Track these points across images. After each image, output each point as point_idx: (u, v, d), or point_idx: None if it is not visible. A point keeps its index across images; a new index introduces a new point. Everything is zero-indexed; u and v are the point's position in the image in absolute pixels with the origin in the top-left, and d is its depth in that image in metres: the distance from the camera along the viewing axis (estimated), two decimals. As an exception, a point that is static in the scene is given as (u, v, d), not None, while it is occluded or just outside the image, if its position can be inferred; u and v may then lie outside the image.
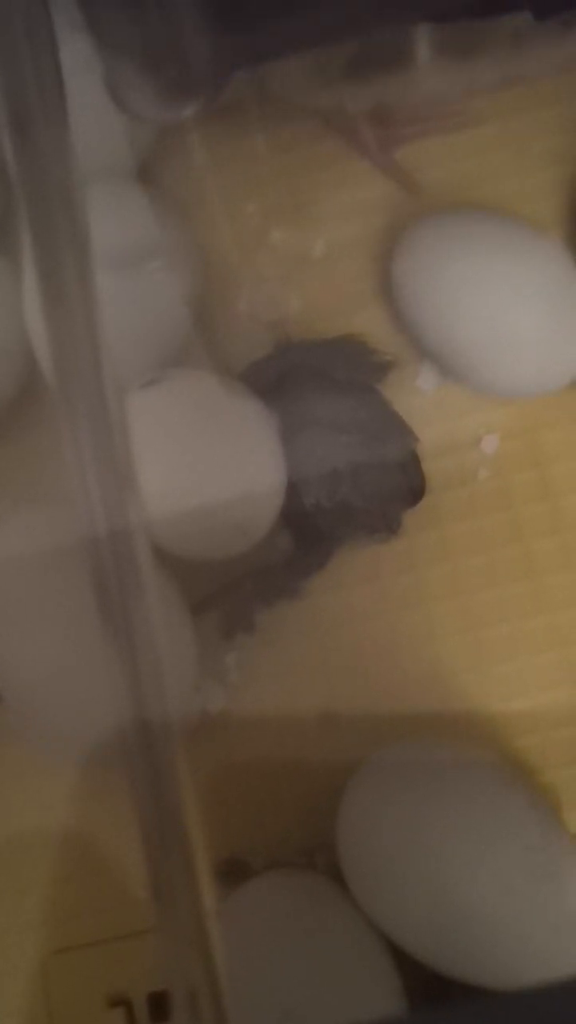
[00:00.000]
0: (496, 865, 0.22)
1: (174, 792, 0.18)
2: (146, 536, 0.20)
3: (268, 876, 0.24)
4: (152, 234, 0.23)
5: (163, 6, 0.20)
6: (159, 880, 0.17)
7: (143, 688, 0.20)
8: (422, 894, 0.22)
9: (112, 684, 0.19)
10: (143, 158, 0.27)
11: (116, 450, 0.19)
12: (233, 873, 0.25)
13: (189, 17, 0.20)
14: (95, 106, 0.22)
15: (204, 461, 0.24)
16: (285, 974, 0.22)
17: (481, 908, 0.21)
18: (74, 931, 0.25)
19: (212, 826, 0.25)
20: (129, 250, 0.22)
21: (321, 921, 0.23)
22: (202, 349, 0.26)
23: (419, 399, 0.27)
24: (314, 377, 0.26)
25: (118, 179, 0.25)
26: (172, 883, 0.17)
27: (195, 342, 0.26)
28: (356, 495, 0.26)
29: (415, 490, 0.26)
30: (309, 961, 0.22)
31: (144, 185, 0.27)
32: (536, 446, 0.27)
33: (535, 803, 0.23)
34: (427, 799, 0.22)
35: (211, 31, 0.20)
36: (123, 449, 0.20)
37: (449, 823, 0.22)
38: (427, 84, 0.25)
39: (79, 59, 0.20)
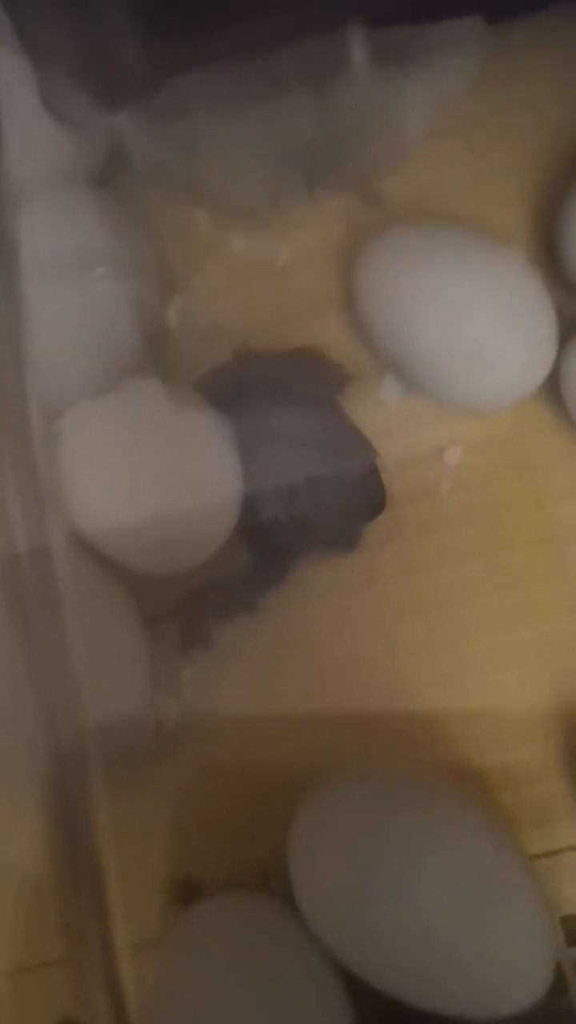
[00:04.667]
0: (449, 891, 0.21)
1: (87, 826, 0.17)
2: (69, 555, 0.20)
3: (220, 898, 0.24)
4: (100, 242, 0.23)
5: (93, 11, 0.19)
6: (68, 914, 0.17)
7: (57, 717, 0.20)
8: (375, 920, 0.21)
9: (24, 713, 0.18)
10: (101, 166, 0.27)
11: (39, 469, 0.18)
12: (186, 894, 0.24)
13: (120, 22, 0.19)
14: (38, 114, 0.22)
15: (155, 473, 0.23)
16: (233, 999, 0.21)
17: (434, 934, 0.21)
18: (22, 953, 0.24)
19: (165, 845, 0.25)
20: (76, 258, 0.22)
21: (272, 945, 0.22)
22: (155, 359, 0.25)
23: (380, 412, 0.27)
24: (272, 389, 0.26)
25: (71, 188, 0.25)
26: (82, 918, 0.17)
27: (149, 352, 0.25)
28: (314, 509, 0.25)
29: (375, 504, 0.26)
30: (259, 986, 0.22)
31: (102, 193, 0.26)
32: (499, 458, 0.27)
33: (490, 827, 0.22)
34: (380, 823, 0.22)
35: (143, 35, 0.19)
36: (47, 467, 0.19)
37: (402, 848, 0.22)
38: (368, 94, 0.25)
39: (15, 69, 0.20)
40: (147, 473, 0.23)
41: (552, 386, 0.26)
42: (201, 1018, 0.21)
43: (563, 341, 0.26)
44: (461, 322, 0.25)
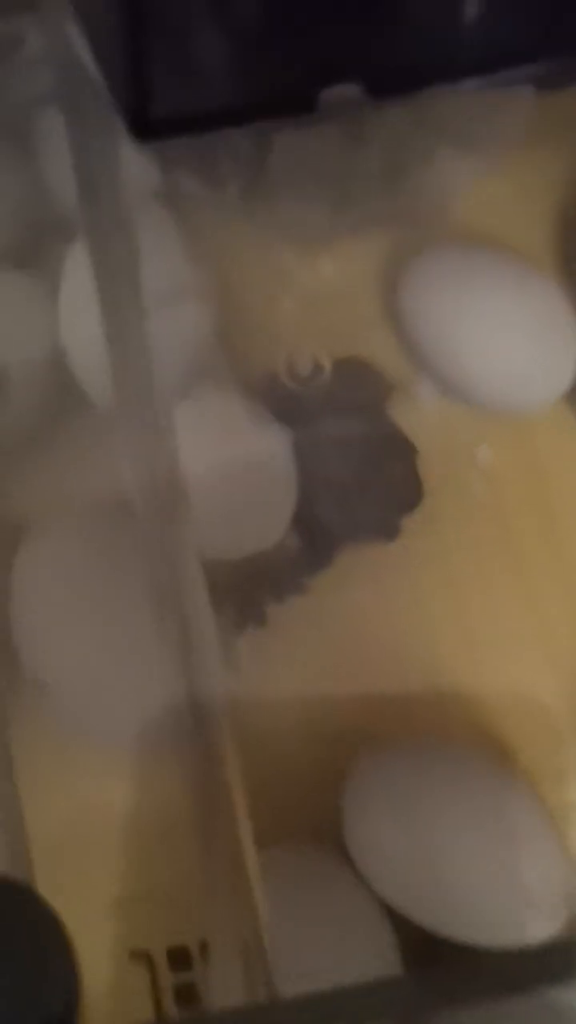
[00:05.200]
0: (479, 838, 0.25)
1: (223, 765, 0.20)
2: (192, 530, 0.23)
3: (276, 848, 0.27)
4: (183, 264, 0.26)
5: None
6: (211, 844, 0.20)
7: (194, 669, 0.23)
8: (417, 864, 0.25)
9: (162, 667, 0.21)
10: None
11: (167, 453, 0.21)
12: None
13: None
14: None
15: (229, 472, 0.26)
16: (295, 932, 0.25)
17: (466, 875, 0.24)
18: (102, 893, 0.28)
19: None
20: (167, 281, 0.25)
21: (326, 887, 0.26)
22: (223, 369, 0.28)
23: (419, 414, 0.30)
24: (323, 395, 0.29)
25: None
26: (222, 846, 0.20)
27: (216, 362, 0.28)
28: (360, 503, 0.28)
29: (413, 498, 0.29)
30: (318, 921, 0.25)
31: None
32: (527, 458, 0.30)
33: (514, 783, 0.26)
34: (420, 783, 0.25)
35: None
36: (171, 454, 0.22)
37: (440, 803, 0.25)
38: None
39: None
40: (218, 470, 0.26)
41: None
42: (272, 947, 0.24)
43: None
44: (493, 335, 0.27)
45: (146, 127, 0.23)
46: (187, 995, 0.27)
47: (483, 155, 0.31)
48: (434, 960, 0.25)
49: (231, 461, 0.26)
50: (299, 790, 0.28)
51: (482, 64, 0.24)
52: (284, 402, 0.28)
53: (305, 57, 0.23)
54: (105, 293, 0.21)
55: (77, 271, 0.27)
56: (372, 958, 0.25)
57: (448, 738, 0.27)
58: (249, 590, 0.29)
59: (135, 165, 0.26)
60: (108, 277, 0.22)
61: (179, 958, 0.28)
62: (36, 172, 0.29)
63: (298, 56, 0.23)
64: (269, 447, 0.27)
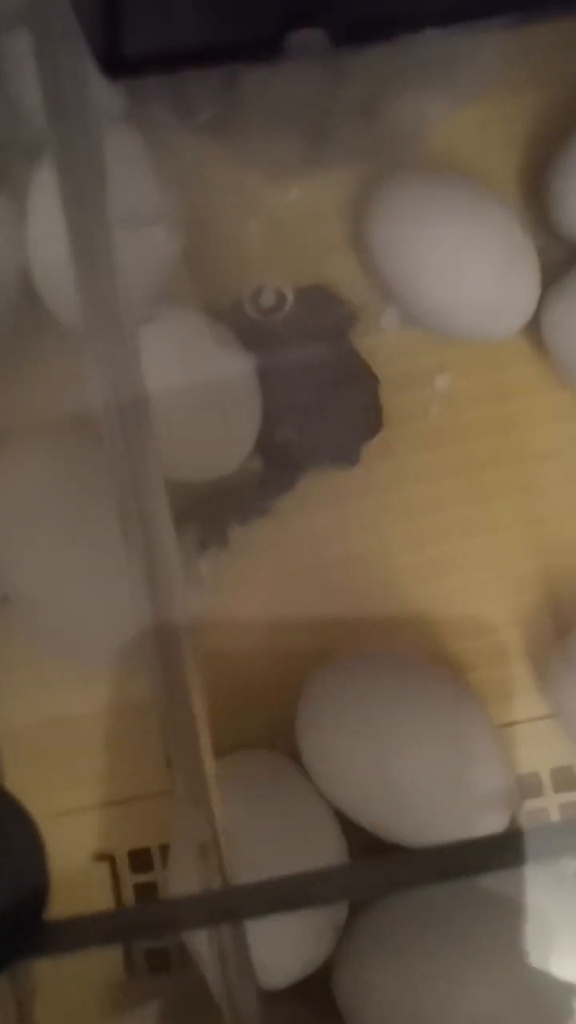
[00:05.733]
0: (429, 747, 0.26)
1: (184, 679, 0.21)
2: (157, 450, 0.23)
3: (235, 755, 0.28)
4: (153, 189, 0.26)
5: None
6: (173, 752, 0.21)
7: (158, 587, 0.24)
8: (367, 769, 0.26)
9: (127, 584, 0.22)
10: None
11: (132, 373, 0.22)
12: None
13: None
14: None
15: (194, 394, 0.27)
16: (251, 834, 0.26)
17: (414, 784, 0.26)
18: (67, 799, 0.29)
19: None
20: (134, 203, 0.25)
21: (281, 791, 0.27)
22: (190, 292, 0.28)
23: (381, 340, 0.30)
24: (288, 322, 0.29)
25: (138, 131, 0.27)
26: (182, 754, 0.21)
27: (184, 285, 0.28)
28: (321, 429, 0.29)
29: (373, 425, 0.30)
30: (272, 822, 0.26)
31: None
32: (484, 386, 0.30)
33: (464, 698, 0.27)
34: (373, 695, 0.26)
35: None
36: (136, 374, 0.23)
37: (391, 713, 0.26)
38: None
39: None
40: (183, 393, 0.27)
41: (535, 323, 0.30)
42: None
43: (546, 283, 0.29)
44: (453, 263, 0.28)
45: (116, 65, 0.23)
46: (147, 894, 0.29)
47: (458, 87, 0.31)
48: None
49: (195, 384, 0.27)
50: (258, 702, 0.29)
51: (446, 15, 0.24)
52: (249, 327, 0.28)
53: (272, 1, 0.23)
54: (72, 214, 0.22)
55: (45, 192, 0.27)
56: (322, 859, 0.26)
57: (402, 655, 0.28)
58: (213, 512, 0.30)
59: (105, 89, 0.26)
60: (75, 199, 0.22)
61: (140, 860, 0.29)
62: (5, 94, 0.29)
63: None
64: (233, 371, 0.27)
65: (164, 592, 0.22)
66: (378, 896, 0.24)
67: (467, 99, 0.31)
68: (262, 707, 0.29)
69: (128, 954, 0.28)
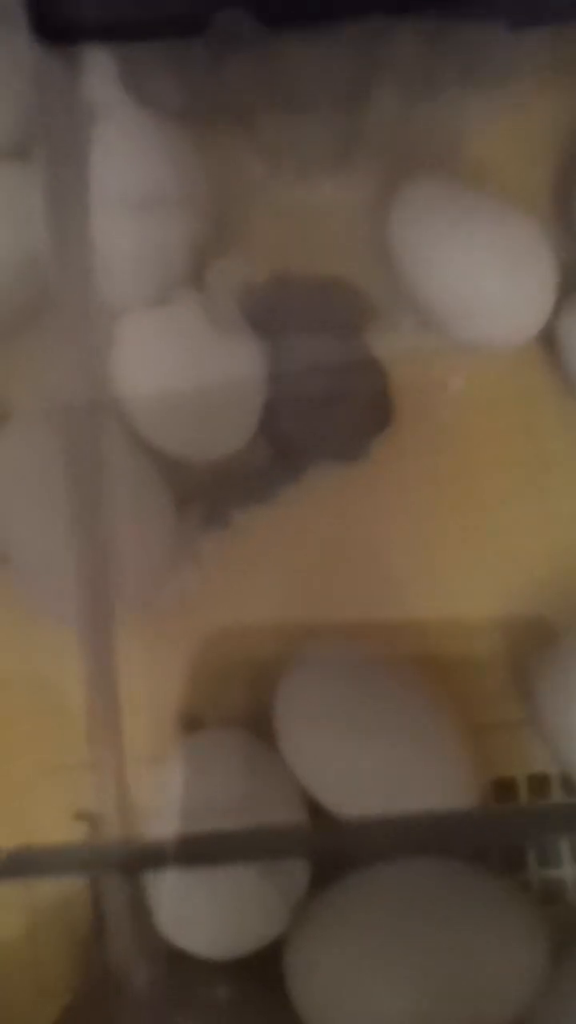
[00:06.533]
0: (394, 741, 0.26)
1: (111, 655, 0.22)
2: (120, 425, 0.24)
3: (215, 731, 0.29)
4: (166, 172, 0.27)
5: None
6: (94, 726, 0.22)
7: (97, 556, 0.25)
8: (337, 760, 0.27)
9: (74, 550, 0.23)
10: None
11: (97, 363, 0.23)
12: (190, 723, 0.30)
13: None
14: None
15: (193, 372, 0.27)
16: (219, 807, 0.27)
17: (379, 772, 0.26)
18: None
19: (180, 684, 0.30)
20: (143, 187, 0.26)
21: (254, 771, 0.28)
22: (202, 275, 0.29)
23: (397, 341, 0.31)
24: (301, 310, 0.30)
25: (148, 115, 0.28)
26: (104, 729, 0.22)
27: (198, 268, 0.29)
28: (327, 421, 0.30)
29: (381, 422, 0.30)
30: (241, 798, 0.27)
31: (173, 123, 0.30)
32: (496, 392, 0.30)
33: (434, 700, 0.27)
34: (346, 686, 0.27)
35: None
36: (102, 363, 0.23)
37: (362, 706, 0.27)
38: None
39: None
40: (186, 372, 0.27)
41: (551, 332, 0.30)
42: (192, 815, 0.27)
43: (565, 293, 0.29)
44: (469, 269, 0.28)
45: (49, 31, 0.24)
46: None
47: (499, 91, 0.31)
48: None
49: (199, 365, 0.27)
50: (244, 680, 0.30)
51: (391, 4, 0.24)
52: (262, 313, 0.29)
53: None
54: (51, 197, 0.23)
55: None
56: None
57: (384, 652, 0.29)
58: (217, 494, 0.31)
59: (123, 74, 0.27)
60: (54, 181, 0.23)
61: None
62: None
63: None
64: (238, 355, 0.28)
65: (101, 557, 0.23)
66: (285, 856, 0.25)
67: (508, 105, 0.31)
68: (248, 688, 0.30)
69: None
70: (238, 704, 0.30)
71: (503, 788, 0.29)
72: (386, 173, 0.31)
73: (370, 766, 0.26)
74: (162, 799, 0.27)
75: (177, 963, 0.25)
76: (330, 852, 0.25)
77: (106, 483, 0.28)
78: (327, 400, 0.30)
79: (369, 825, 0.24)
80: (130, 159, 0.26)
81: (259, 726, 0.29)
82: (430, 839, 0.23)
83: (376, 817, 0.25)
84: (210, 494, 0.31)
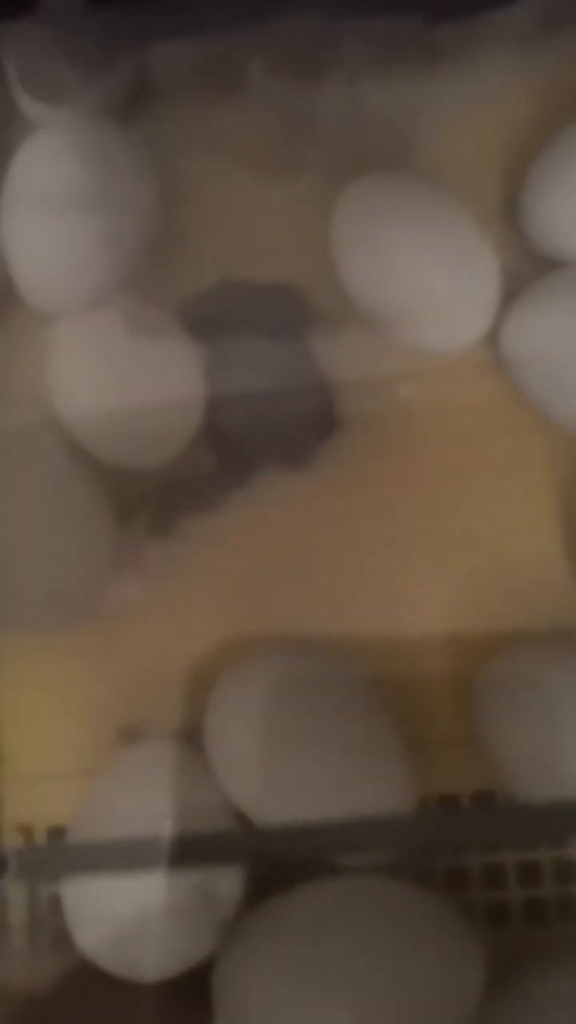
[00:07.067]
0: (329, 756, 0.25)
1: None
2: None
3: (155, 742, 0.28)
4: (96, 177, 0.26)
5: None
6: None
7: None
8: (266, 771, 0.26)
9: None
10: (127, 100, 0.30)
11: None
12: (129, 734, 0.29)
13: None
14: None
15: (127, 378, 0.27)
16: (147, 822, 0.26)
17: (311, 794, 0.25)
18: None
19: (120, 693, 0.30)
20: (66, 192, 0.26)
21: (183, 784, 0.27)
22: (146, 278, 0.29)
23: (344, 345, 0.30)
24: (248, 316, 0.29)
25: (87, 120, 0.28)
26: None
27: (140, 271, 0.29)
28: (270, 425, 0.29)
29: (327, 426, 0.29)
30: (170, 813, 0.26)
31: (121, 127, 0.30)
32: (445, 397, 0.30)
33: (375, 715, 0.26)
34: (282, 699, 0.26)
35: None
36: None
37: (297, 722, 0.26)
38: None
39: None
40: (120, 377, 0.27)
41: (496, 336, 0.29)
42: (119, 830, 0.26)
43: (509, 298, 0.28)
44: (413, 272, 0.27)
45: None
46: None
47: (457, 94, 0.31)
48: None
49: (136, 372, 0.27)
50: (184, 690, 0.29)
51: None
52: (205, 319, 0.29)
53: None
54: None
55: (22, 171, 0.28)
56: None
57: (319, 661, 0.28)
58: (164, 501, 0.30)
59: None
60: None
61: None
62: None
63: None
64: (177, 360, 0.28)
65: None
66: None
67: (459, 108, 0.31)
68: (190, 698, 0.29)
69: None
70: (178, 715, 0.29)
71: (447, 805, 0.28)
72: (335, 175, 0.30)
73: (301, 781, 0.25)
74: (92, 810, 0.27)
75: (94, 982, 0.25)
76: (255, 858, 0.25)
77: (41, 491, 0.28)
78: (272, 405, 0.29)
79: (294, 829, 0.23)
80: (55, 157, 0.26)
81: (199, 738, 0.29)
82: (358, 842, 0.22)
83: (302, 822, 0.24)
84: (154, 501, 0.30)
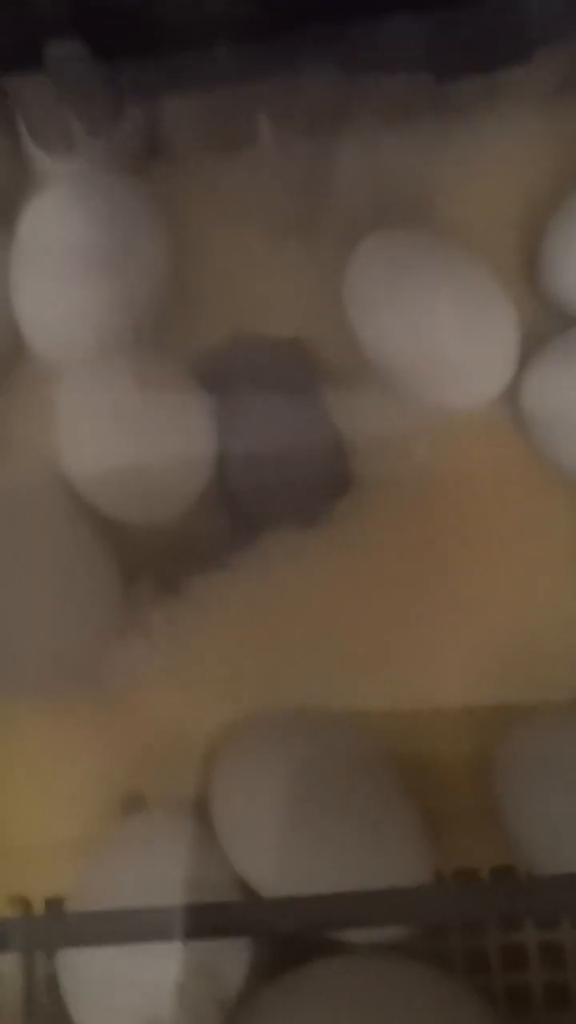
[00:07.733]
0: (342, 830, 0.24)
1: None
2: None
3: (154, 814, 0.27)
4: (103, 232, 0.26)
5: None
6: None
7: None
8: (276, 846, 0.25)
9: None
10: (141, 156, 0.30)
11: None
12: (132, 803, 0.28)
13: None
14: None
15: (137, 433, 0.26)
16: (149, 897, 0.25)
17: (322, 868, 0.24)
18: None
19: (125, 761, 0.28)
20: (73, 248, 0.25)
21: (187, 858, 0.26)
22: (158, 334, 0.28)
23: (356, 402, 0.29)
24: (260, 373, 0.29)
25: (98, 175, 0.28)
26: None
27: (152, 326, 0.28)
28: (281, 483, 0.28)
29: (339, 485, 0.29)
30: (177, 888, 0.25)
31: (134, 181, 0.29)
32: (461, 456, 0.29)
33: (391, 787, 0.25)
34: (296, 768, 0.25)
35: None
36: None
37: (310, 794, 0.25)
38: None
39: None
40: (128, 433, 0.26)
41: (514, 394, 0.28)
42: (120, 902, 0.25)
43: (527, 354, 0.28)
44: (430, 330, 0.27)
45: None
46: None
47: (465, 152, 0.31)
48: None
49: (145, 424, 0.26)
50: (191, 760, 0.28)
51: (231, 31, 0.23)
52: (218, 374, 0.28)
53: (28, 8, 0.22)
54: None
55: (34, 224, 0.28)
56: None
57: (329, 728, 0.27)
58: (169, 562, 0.29)
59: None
60: None
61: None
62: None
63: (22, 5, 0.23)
64: (187, 416, 0.27)
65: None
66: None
67: (478, 166, 0.30)
68: (197, 768, 0.28)
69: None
70: (184, 785, 0.28)
71: (466, 880, 0.27)
72: (348, 231, 0.30)
73: (313, 855, 0.24)
74: (93, 881, 0.26)
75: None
76: (263, 932, 0.24)
77: (46, 550, 0.27)
78: (283, 463, 0.28)
79: (302, 901, 0.22)
80: (66, 211, 0.25)
81: (206, 808, 0.28)
82: (370, 914, 0.21)
83: (311, 894, 0.23)
84: (162, 562, 0.29)
